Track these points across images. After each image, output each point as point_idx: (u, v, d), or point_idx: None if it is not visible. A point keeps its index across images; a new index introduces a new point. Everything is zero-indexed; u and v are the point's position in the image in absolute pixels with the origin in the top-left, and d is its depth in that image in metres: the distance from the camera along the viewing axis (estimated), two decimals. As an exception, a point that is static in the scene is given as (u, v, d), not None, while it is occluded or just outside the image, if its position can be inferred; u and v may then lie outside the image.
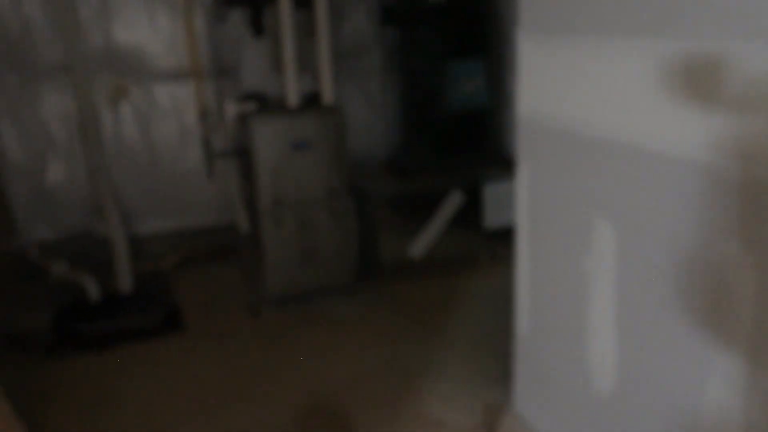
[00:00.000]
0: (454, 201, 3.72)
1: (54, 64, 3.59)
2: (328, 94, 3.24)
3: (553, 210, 2.14)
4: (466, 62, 3.79)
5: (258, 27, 3.09)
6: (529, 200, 2.26)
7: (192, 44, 3.11)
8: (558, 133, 2.05)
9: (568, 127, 2.00)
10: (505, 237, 4.11)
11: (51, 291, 3.75)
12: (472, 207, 3.80)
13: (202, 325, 3.36)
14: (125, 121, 3.81)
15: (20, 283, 3.77)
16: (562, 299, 2.13)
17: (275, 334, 3.25)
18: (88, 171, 3.78)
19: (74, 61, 3.53)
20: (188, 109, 3.89)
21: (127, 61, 3.69)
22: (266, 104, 3.34)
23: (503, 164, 4.10)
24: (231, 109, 3.13)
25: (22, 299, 3.67)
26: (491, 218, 3.85)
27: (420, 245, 3.72)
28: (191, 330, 3.32)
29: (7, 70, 3.53)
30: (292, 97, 3.18)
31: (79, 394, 2.80)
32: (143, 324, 3.37)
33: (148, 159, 3.91)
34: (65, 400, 2.76)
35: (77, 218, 3.89)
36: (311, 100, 3.40)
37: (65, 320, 3.39)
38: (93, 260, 3.98)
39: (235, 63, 3.23)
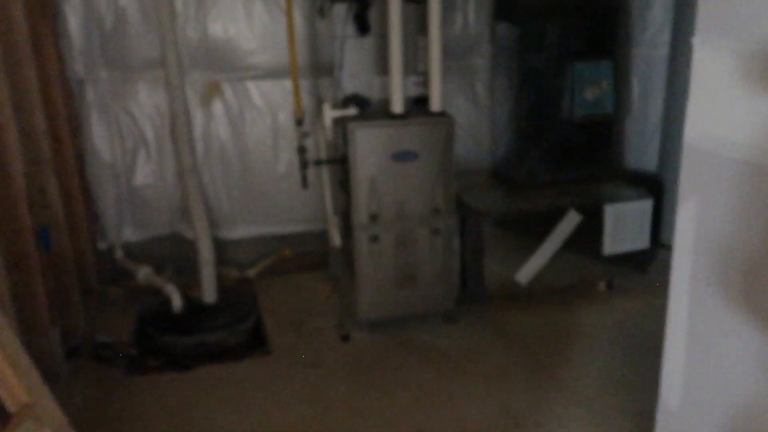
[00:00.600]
0: (570, 222, 3.29)
1: (147, 59, 3.41)
2: (437, 100, 2.89)
3: (729, 257, 1.70)
4: (592, 63, 3.34)
5: (364, 24, 2.78)
6: (693, 242, 1.83)
7: (291, 41, 2.84)
8: (741, 164, 1.62)
9: (756, 158, 1.57)
10: (623, 263, 3.65)
11: (134, 296, 3.61)
12: (589, 228, 3.36)
13: (288, 346, 3.10)
14: (217, 120, 3.60)
15: (104, 285, 3.65)
16: (736, 374, 1.70)
17: (367, 363, 2.94)
18: (177, 172, 3.60)
19: (168, 56, 3.34)
20: (283, 111, 3.63)
21: (221, 57, 3.47)
22: (368, 109, 3.02)
23: (626, 181, 3.63)
24: (329, 113, 2.84)
25: (105, 304, 3.54)
26: (611, 243, 3.40)
27: (529, 270, 3.32)
28: (276, 351, 3.06)
29: (100, 64, 3.38)
30: (397, 102, 2.85)
31: (156, 421, 2.58)
32: (228, 341, 3.15)
33: (238, 161, 3.69)
34: (141, 427, 2.55)
35: (164, 220, 3.72)
36: (417, 106, 3.06)
37: (147, 332, 3.21)
38: (179, 263, 3.82)
39: (335, 63, 2.94)
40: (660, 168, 3.81)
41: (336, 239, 3.18)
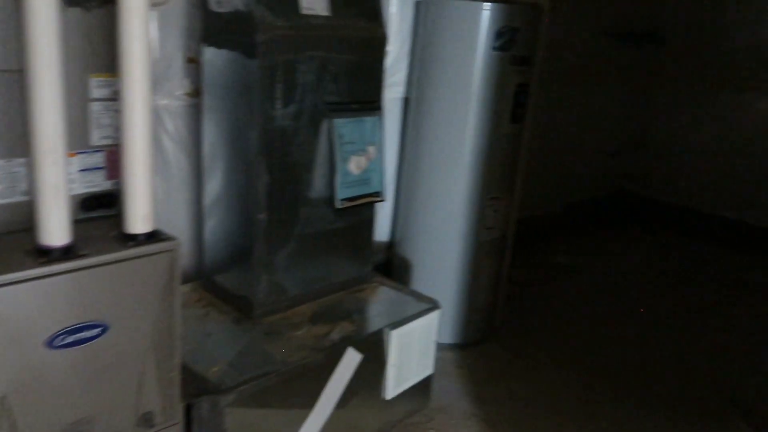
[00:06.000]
0: (349, 365, 2.12)
1: None
2: (145, 204, 1.37)
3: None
4: (355, 121, 2.24)
5: None
6: None
7: None
8: None
9: None
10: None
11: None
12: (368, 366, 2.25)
13: None
14: None
15: None
16: None
17: None
18: None
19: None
20: None
21: None
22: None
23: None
24: None
25: None
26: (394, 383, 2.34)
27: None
28: None
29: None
30: (55, 222, 1.25)
31: None
32: None
33: None
34: None
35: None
36: (93, 215, 1.50)
37: None
38: None
39: None
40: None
41: None
